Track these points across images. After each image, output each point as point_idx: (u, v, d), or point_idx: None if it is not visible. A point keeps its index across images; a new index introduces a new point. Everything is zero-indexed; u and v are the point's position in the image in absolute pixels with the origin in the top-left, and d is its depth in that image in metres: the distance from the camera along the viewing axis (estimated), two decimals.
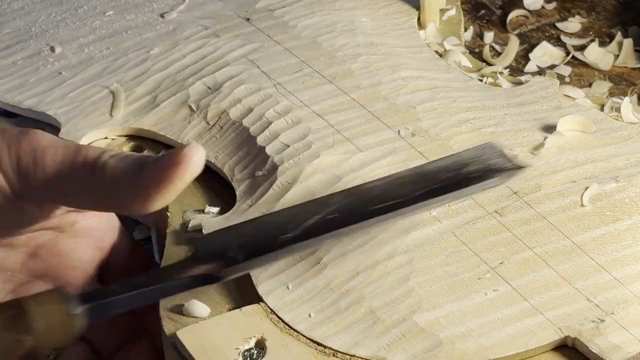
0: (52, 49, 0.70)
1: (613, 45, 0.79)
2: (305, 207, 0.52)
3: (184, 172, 0.47)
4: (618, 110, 0.67)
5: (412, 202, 0.52)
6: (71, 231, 0.54)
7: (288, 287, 0.53)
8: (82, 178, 0.49)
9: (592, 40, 0.79)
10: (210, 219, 0.58)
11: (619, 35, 0.79)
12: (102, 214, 0.55)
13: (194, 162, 0.47)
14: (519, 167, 0.54)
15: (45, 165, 0.49)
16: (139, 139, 0.65)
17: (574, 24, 0.81)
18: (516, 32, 0.82)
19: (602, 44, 0.79)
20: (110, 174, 0.48)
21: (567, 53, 0.78)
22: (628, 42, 0.79)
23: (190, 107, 0.66)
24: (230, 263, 0.49)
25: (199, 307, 0.52)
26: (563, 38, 0.80)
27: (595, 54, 0.78)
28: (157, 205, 0.48)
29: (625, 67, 0.78)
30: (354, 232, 0.52)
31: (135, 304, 0.48)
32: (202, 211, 0.59)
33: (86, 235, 0.55)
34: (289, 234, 0.50)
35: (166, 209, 0.58)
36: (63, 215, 0.53)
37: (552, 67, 0.77)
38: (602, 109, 0.67)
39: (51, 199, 0.50)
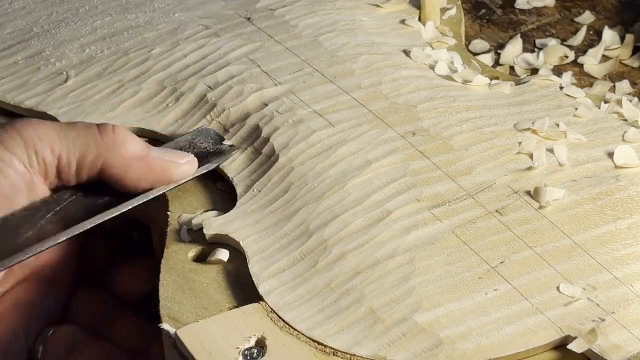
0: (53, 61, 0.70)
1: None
2: (37, 207, 0.55)
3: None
4: (618, 105, 0.67)
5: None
6: None
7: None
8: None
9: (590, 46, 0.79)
10: (211, 218, 0.58)
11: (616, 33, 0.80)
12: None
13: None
14: (233, 148, 0.61)
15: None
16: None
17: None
18: (516, 31, 0.82)
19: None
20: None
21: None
22: (629, 38, 0.79)
23: (190, 106, 0.66)
24: None
25: (219, 252, 0.55)
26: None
27: (594, 67, 0.78)
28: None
29: (626, 66, 0.78)
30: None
31: None
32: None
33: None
34: (28, 233, 0.53)
35: (167, 208, 0.59)
36: None
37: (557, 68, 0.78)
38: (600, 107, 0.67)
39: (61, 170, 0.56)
